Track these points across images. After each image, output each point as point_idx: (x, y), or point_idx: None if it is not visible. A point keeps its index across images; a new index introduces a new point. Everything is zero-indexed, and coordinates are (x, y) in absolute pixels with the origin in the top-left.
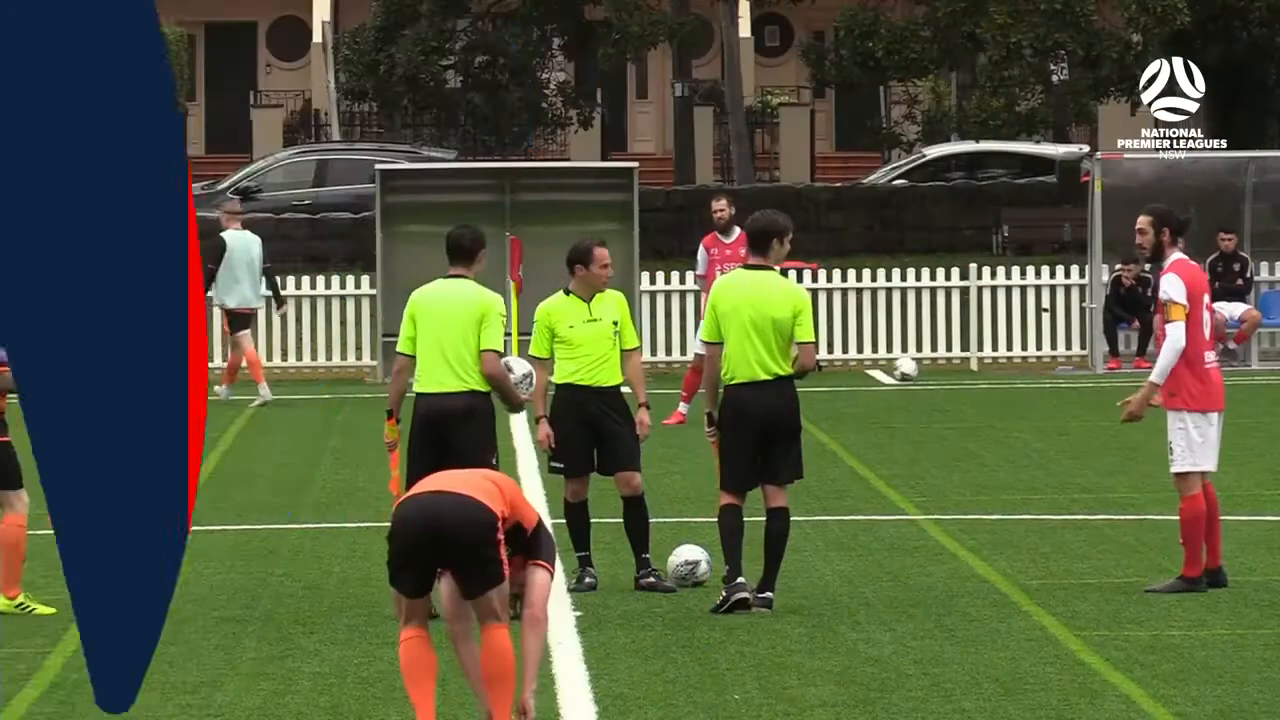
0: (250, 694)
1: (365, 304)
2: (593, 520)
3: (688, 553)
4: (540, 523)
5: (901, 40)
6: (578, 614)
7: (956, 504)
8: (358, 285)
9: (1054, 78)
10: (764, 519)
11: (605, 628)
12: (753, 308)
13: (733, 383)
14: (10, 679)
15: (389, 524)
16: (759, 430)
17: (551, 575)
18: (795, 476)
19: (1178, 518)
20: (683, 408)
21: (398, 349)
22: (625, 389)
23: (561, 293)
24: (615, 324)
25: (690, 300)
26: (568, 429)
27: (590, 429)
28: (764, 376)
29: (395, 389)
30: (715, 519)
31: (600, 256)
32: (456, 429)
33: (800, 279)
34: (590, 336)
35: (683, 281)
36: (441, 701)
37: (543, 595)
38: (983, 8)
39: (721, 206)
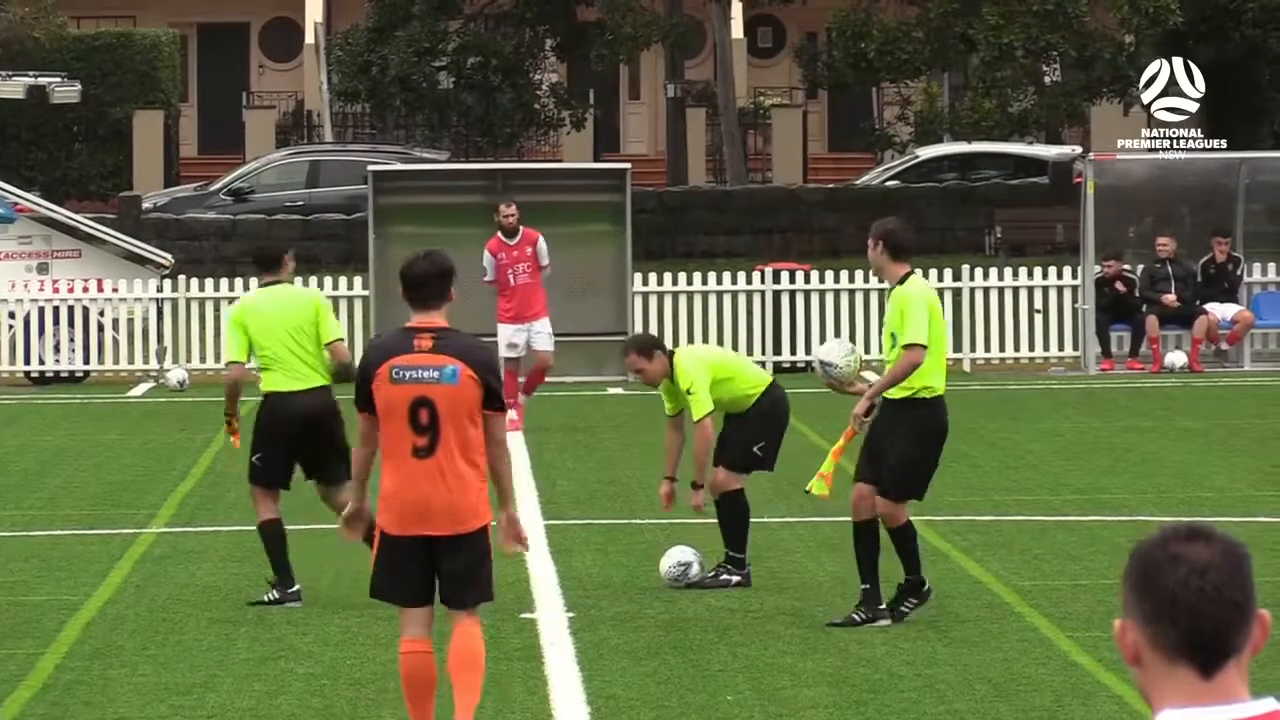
0: (243, 695)
1: (358, 305)
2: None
3: (680, 554)
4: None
5: (894, 41)
6: (570, 615)
7: (949, 505)
8: (350, 286)
9: (1046, 79)
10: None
11: (598, 629)
12: None
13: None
14: (2, 680)
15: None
16: None
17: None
18: None
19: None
20: (513, 414)
21: None
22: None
23: None
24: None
25: (683, 301)
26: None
27: None
28: None
29: None
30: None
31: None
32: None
33: (794, 280)
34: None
35: (675, 282)
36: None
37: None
38: (975, 9)
39: (511, 211)
